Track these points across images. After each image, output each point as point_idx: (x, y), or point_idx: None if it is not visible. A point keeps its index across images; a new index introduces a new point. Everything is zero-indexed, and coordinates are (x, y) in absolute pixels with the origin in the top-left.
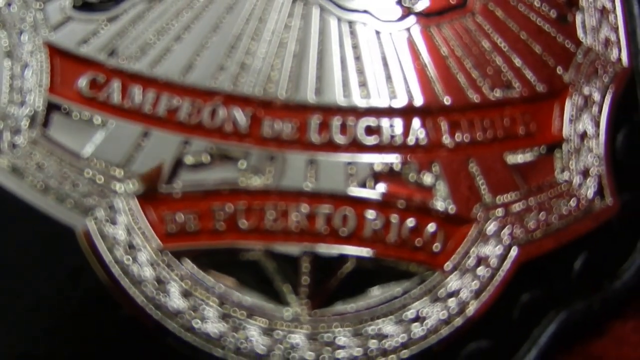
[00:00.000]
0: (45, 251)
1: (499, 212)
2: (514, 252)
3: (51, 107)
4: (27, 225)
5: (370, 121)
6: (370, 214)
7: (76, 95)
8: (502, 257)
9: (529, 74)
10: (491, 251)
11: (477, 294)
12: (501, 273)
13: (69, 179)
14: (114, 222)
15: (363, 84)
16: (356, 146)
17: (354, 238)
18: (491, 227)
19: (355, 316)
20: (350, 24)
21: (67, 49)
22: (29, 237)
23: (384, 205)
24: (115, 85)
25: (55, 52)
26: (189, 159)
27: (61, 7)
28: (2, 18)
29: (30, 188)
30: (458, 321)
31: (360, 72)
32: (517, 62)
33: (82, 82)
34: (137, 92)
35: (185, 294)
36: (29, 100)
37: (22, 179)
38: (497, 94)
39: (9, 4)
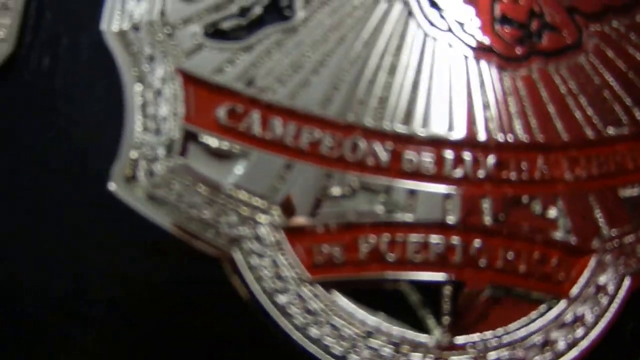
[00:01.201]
0: (191, 282)
1: (615, 243)
2: (627, 280)
3: (188, 136)
4: (170, 256)
5: (500, 157)
6: (503, 245)
7: (214, 124)
8: (618, 286)
9: (636, 112)
10: (608, 279)
11: (597, 319)
12: (617, 300)
13: (212, 210)
14: (260, 254)
15: (490, 120)
16: (489, 181)
17: (489, 268)
18: (608, 258)
19: (495, 341)
20: (477, 61)
21: (202, 76)
22: (174, 268)
23: (515, 237)
24: (255, 115)
25: (189, 80)
26: (332, 192)
27: (192, 34)
28: (129, 42)
29: (171, 218)
30: (582, 344)
31: (487, 108)
32: (627, 100)
33: (221, 112)
34: (277, 123)
35: (334, 325)
36: (164, 129)
37: (162, 208)
38: (610, 131)
39: (135, 28)
